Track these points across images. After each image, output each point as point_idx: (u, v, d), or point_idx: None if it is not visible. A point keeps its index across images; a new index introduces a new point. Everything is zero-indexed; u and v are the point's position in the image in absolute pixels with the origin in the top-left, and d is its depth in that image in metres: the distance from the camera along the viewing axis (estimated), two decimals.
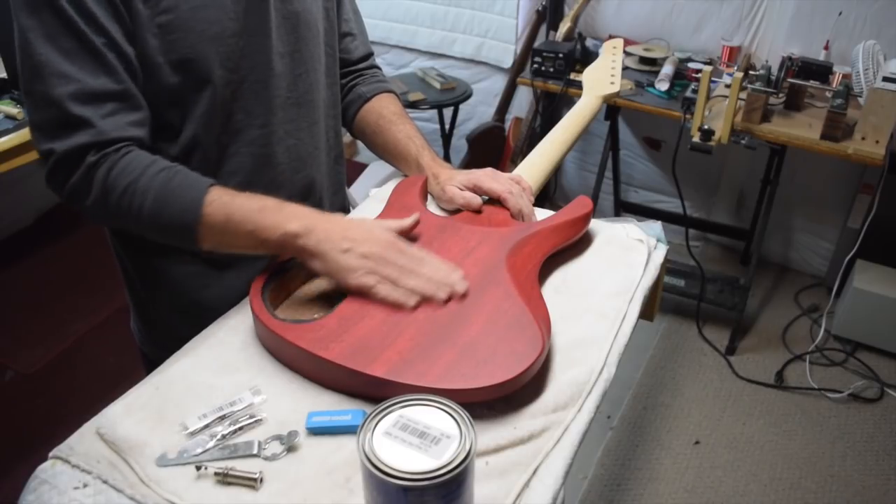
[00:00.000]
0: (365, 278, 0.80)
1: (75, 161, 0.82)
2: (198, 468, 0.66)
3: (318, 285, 0.91)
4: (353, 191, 2.74)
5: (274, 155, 0.99)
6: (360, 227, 0.84)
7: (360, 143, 2.46)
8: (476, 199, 1.00)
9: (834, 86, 2.21)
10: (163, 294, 1.04)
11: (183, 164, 0.93)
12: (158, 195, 0.82)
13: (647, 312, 1.00)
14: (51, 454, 0.68)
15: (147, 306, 1.06)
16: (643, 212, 2.94)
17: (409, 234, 0.88)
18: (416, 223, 0.89)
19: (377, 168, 2.93)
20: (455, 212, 1.02)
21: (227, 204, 0.83)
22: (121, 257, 1.04)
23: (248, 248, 0.85)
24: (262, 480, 0.65)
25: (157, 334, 1.08)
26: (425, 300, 0.79)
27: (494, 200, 1.01)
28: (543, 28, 2.89)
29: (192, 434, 0.69)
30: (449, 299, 0.79)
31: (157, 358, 0.82)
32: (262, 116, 0.96)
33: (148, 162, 0.84)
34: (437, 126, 2.99)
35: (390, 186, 1.07)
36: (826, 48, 2.41)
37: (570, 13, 2.69)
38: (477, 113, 3.20)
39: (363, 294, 0.81)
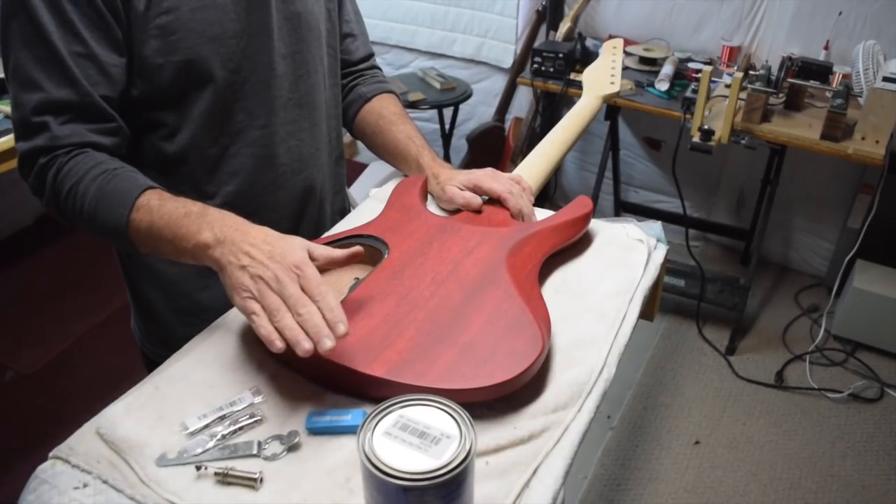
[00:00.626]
0: (247, 302, 0.71)
1: (32, 162, 0.85)
2: (198, 468, 0.66)
3: None
4: (353, 191, 2.73)
5: (275, 156, 0.99)
6: (271, 246, 0.74)
7: (360, 143, 2.46)
8: (476, 199, 1.00)
9: (834, 86, 2.21)
10: (163, 294, 1.04)
11: (181, 164, 0.94)
12: (94, 198, 0.82)
13: (647, 312, 1.00)
14: (51, 454, 0.68)
15: (147, 306, 1.06)
16: (643, 212, 2.94)
17: (340, 266, 0.81)
18: (353, 256, 0.80)
19: (377, 168, 2.93)
20: (455, 212, 1.02)
21: (153, 209, 0.80)
22: (121, 257, 1.05)
23: (172, 255, 0.81)
24: (262, 480, 0.65)
25: (157, 334, 1.08)
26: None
27: (494, 200, 1.01)
28: (543, 28, 2.89)
29: (192, 434, 0.69)
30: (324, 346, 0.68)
31: (158, 358, 0.82)
32: (263, 117, 0.96)
33: (92, 164, 0.84)
34: (437, 126, 2.99)
35: (390, 186, 1.07)
36: (826, 48, 2.41)
37: (570, 13, 2.69)
38: (477, 113, 3.20)
39: (362, 295, 0.80)
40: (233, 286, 0.73)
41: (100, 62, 0.83)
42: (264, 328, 0.69)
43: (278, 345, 0.68)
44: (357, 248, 0.82)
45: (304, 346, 0.67)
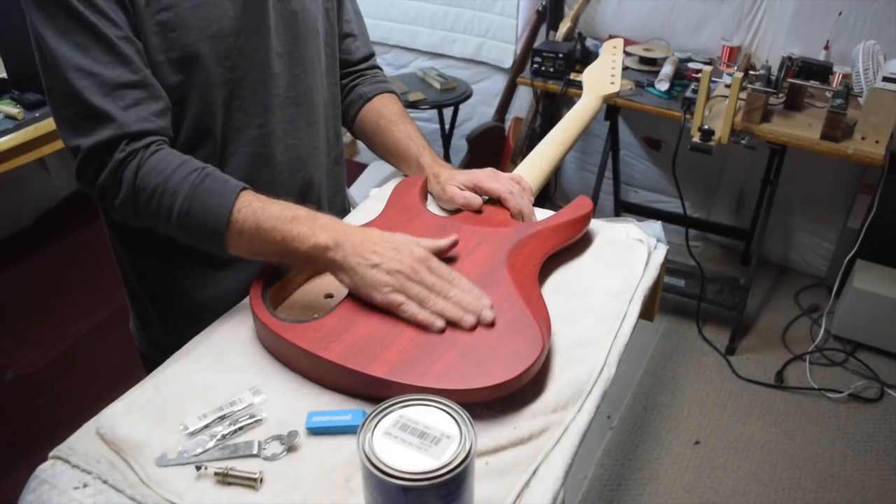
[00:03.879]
0: (392, 296, 0.77)
1: (103, 157, 0.81)
2: (198, 468, 0.66)
3: (318, 285, 0.91)
4: (353, 191, 2.73)
5: (272, 154, 0.99)
6: (392, 243, 0.80)
7: (360, 143, 2.46)
8: (476, 199, 1.00)
9: (834, 86, 2.21)
10: (162, 295, 1.04)
11: None
12: (187, 198, 0.81)
13: (647, 312, 1.00)
14: (51, 454, 0.68)
15: (146, 307, 1.06)
16: (643, 212, 2.94)
17: (444, 255, 0.85)
18: (454, 244, 0.85)
19: (377, 168, 2.93)
20: (455, 212, 1.02)
21: (258, 211, 0.81)
22: (120, 259, 1.04)
23: (276, 256, 0.83)
24: (262, 480, 0.65)
25: (156, 335, 1.08)
26: (451, 324, 0.76)
27: (495, 200, 1.01)
28: (543, 28, 2.89)
29: (192, 434, 0.69)
30: (475, 326, 0.76)
31: (157, 358, 0.82)
32: (260, 116, 0.96)
33: (179, 162, 0.82)
34: (437, 126, 2.99)
35: (390, 186, 1.07)
36: (826, 48, 2.41)
37: (570, 13, 2.69)
38: (477, 113, 3.20)
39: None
40: (369, 284, 0.78)
41: (136, 44, 0.82)
42: (422, 314, 0.76)
43: (440, 324, 0.75)
44: (455, 237, 0.86)
45: (469, 319, 0.75)
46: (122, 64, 0.81)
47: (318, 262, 0.81)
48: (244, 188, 0.83)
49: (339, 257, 0.79)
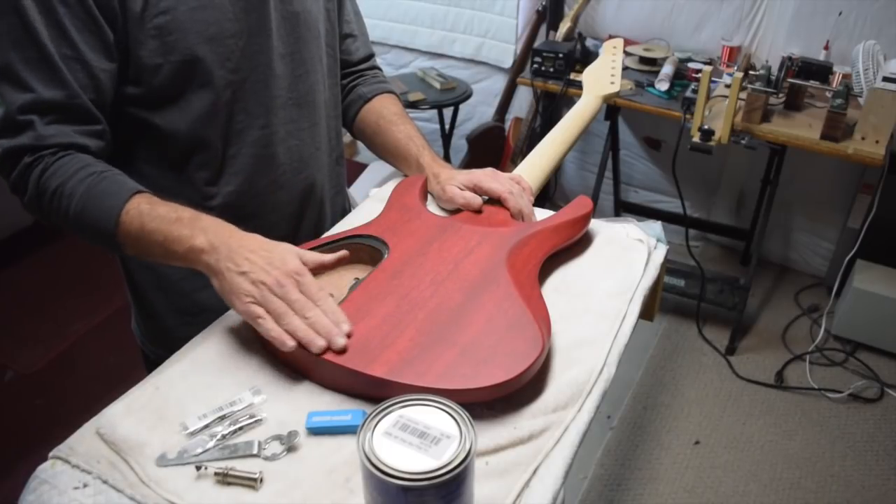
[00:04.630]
0: (251, 307, 0.74)
1: (15, 159, 0.84)
2: (198, 468, 0.66)
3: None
4: (353, 191, 2.73)
5: (275, 156, 0.99)
6: (268, 252, 0.78)
7: (360, 143, 2.46)
8: (476, 200, 1.00)
9: (834, 86, 2.21)
10: (163, 294, 1.04)
11: (184, 165, 0.94)
12: (81, 199, 0.82)
13: (647, 312, 1.00)
14: (51, 454, 0.68)
15: (147, 306, 1.06)
16: (643, 212, 2.94)
17: (322, 271, 0.85)
18: (340, 259, 0.85)
19: (377, 168, 2.92)
20: (455, 212, 1.02)
21: (144, 213, 0.81)
22: (122, 257, 1.04)
23: (161, 258, 0.83)
24: (262, 480, 0.65)
25: (157, 334, 1.08)
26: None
27: (494, 200, 1.01)
28: (543, 28, 2.89)
29: (192, 434, 0.69)
30: (325, 352, 0.73)
31: (158, 358, 0.82)
32: (262, 117, 0.96)
33: (80, 165, 0.84)
34: (437, 126, 2.99)
35: (390, 186, 1.07)
36: (826, 48, 2.41)
37: (570, 13, 2.69)
38: (477, 113, 3.20)
39: (364, 297, 0.80)
40: (232, 291, 0.76)
41: (89, 66, 0.83)
42: (274, 330, 0.73)
43: (290, 344, 0.72)
44: (343, 252, 0.85)
45: (319, 343, 0.72)
46: (59, 86, 0.82)
47: (195, 264, 0.80)
48: (140, 191, 0.84)
49: (212, 261, 0.78)
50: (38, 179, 0.84)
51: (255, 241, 0.80)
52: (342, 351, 0.73)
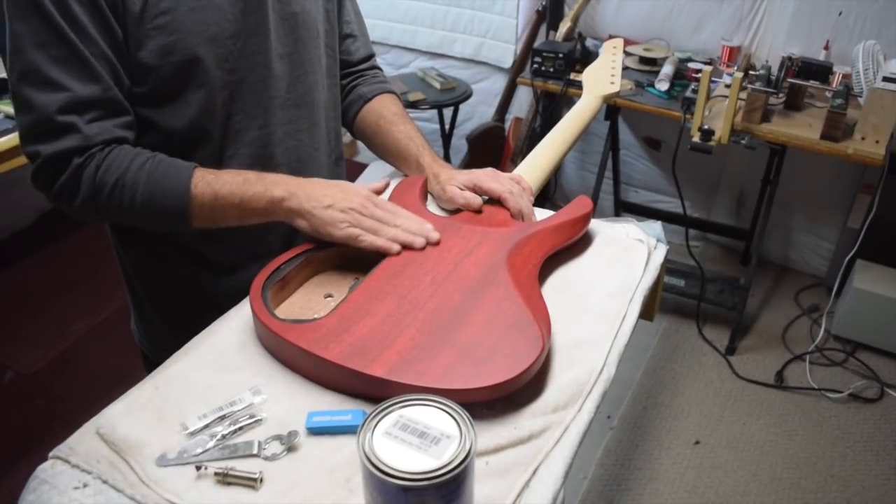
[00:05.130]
0: (349, 230, 0.86)
1: (62, 163, 0.83)
2: (198, 468, 0.66)
3: (318, 285, 0.91)
4: None
5: (273, 156, 0.99)
6: (338, 186, 0.90)
7: (360, 143, 2.46)
8: (476, 199, 1.00)
9: (834, 86, 2.21)
10: (163, 295, 1.04)
11: None
12: (147, 186, 0.85)
13: (647, 312, 1.00)
14: (51, 454, 0.68)
15: (148, 307, 1.06)
16: (643, 212, 2.94)
17: (379, 194, 0.96)
18: (386, 186, 1.01)
19: (377, 168, 2.93)
20: (455, 211, 1.02)
21: (212, 182, 0.87)
22: (121, 258, 1.04)
23: (237, 219, 0.89)
24: (262, 480, 0.65)
25: (157, 335, 1.08)
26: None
27: (494, 200, 1.01)
28: (543, 28, 2.89)
29: (192, 434, 0.69)
30: (425, 247, 0.87)
31: (158, 358, 0.82)
32: (261, 118, 0.96)
33: (132, 155, 0.86)
34: (437, 126, 2.99)
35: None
36: (826, 48, 2.41)
37: (570, 13, 2.69)
38: (477, 113, 3.20)
39: (370, 293, 0.80)
40: (327, 223, 0.86)
41: (111, 61, 0.84)
42: (379, 240, 0.86)
43: (396, 248, 0.86)
44: (388, 180, 1.01)
45: (419, 241, 0.87)
46: (94, 81, 0.82)
47: (277, 214, 0.88)
48: (195, 166, 0.88)
49: (294, 205, 0.87)
50: (93, 178, 0.84)
51: (320, 181, 0.91)
52: (436, 243, 0.87)
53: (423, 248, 0.87)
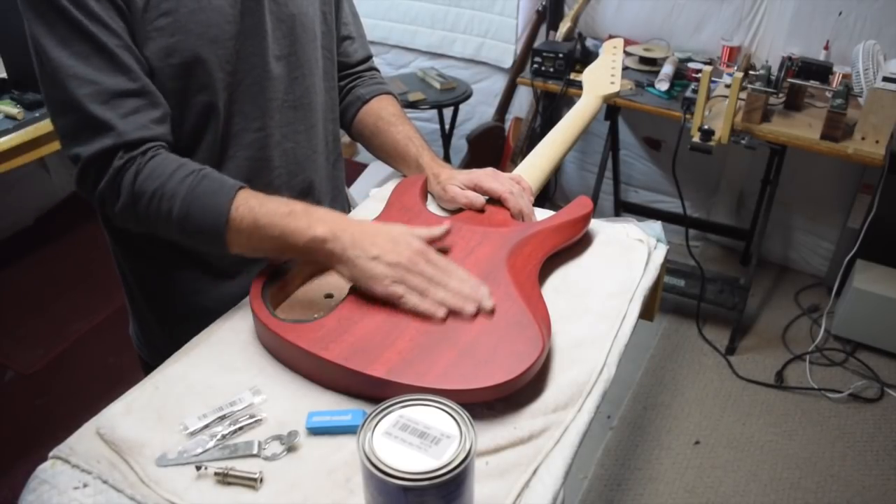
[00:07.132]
0: (393, 287, 0.78)
1: (102, 165, 0.82)
2: (198, 468, 0.66)
3: (318, 285, 0.91)
4: (353, 191, 2.72)
5: (270, 158, 0.98)
6: (389, 234, 0.82)
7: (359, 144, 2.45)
8: (479, 199, 1.00)
9: (834, 86, 2.21)
10: (162, 301, 1.03)
11: None
12: (185, 201, 0.81)
13: (647, 312, 1.00)
14: (51, 454, 0.68)
15: (146, 313, 1.06)
16: (643, 212, 2.94)
17: (439, 244, 0.86)
18: (447, 232, 0.87)
19: (377, 168, 2.92)
20: (454, 212, 1.02)
21: (254, 209, 0.81)
22: (120, 264, 1.04)
23: (275, 252, 0.84)
24: (262, 480, 0.65)
25: (156, 341, 1.07)
26: (453, 313, 0.77)
27: (495, 200, 1.01)
28: (543, 28, 2.89)
29: (192, 434, 0.69)
30: (477, 314, 0.77)
31: (157, 364, 0.82)
32: (258, 120, 0.95)
33: (175, 166, 0.83)
34: (437, 126, 2.99)
35: (390, 186, 1.07)
36: (826, 48, 2.41)
37: (570, 13, 2.69)
38: (477, 113, 3.20)
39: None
40: (370, 276, 0.79)
41: (136, 53, 0.82)
42: (423, 304, 0.78)
43: (441, 313, 0.77)
44: (448, 225, 0.88)
45: (470, 308, 0.77)
46: (122, 72, 0.81)
47: (316, 254, 0.81)
48: (242, 187, 0.84)
49: (337, 249, 0.80)
50: (132, 183, 0.81)
51: (373, 226, 0.84)
52: (491, 312, 0.77)
53: (473, 317, 0.77)
